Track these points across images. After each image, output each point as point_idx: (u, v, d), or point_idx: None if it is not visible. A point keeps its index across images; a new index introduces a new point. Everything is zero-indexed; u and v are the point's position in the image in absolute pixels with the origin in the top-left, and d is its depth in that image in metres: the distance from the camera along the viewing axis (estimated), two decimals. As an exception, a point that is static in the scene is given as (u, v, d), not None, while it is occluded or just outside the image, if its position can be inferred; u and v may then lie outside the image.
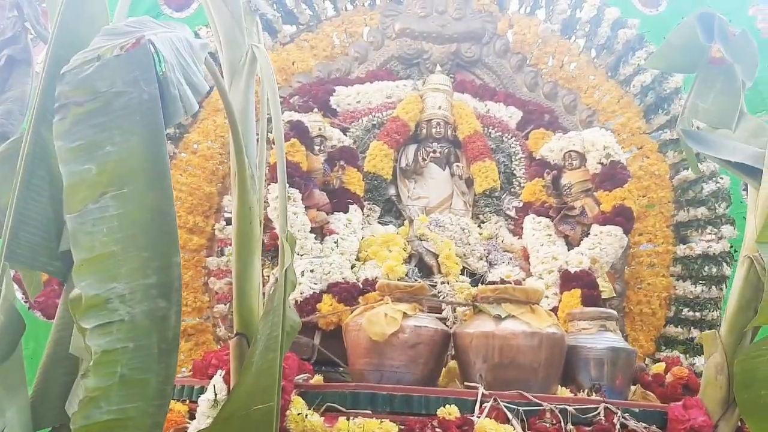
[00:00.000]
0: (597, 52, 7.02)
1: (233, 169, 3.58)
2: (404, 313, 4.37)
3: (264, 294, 3.79)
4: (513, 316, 4.33)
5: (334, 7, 7.24)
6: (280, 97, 6.54)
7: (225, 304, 6.09)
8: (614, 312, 4.85)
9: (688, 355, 6.22)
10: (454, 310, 5.32)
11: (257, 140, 3.71)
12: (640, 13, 7.12)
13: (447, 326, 4.83)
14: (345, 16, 7.17)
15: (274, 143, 5.10)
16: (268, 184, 5.40)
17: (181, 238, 6.02)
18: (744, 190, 6.43)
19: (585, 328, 4.74)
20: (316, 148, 6.01)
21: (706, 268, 6.34)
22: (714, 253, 6.32)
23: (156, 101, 2.68)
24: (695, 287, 6.34)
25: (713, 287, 6.32)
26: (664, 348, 6.40)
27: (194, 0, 6.78)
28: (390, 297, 4.50)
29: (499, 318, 4.33)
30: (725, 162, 4.56)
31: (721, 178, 6.37)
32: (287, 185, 5.36)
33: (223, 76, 3.62)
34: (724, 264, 6.27)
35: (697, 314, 6.30)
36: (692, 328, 6.31)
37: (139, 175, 2.59)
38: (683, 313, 6.35)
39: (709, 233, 6.44)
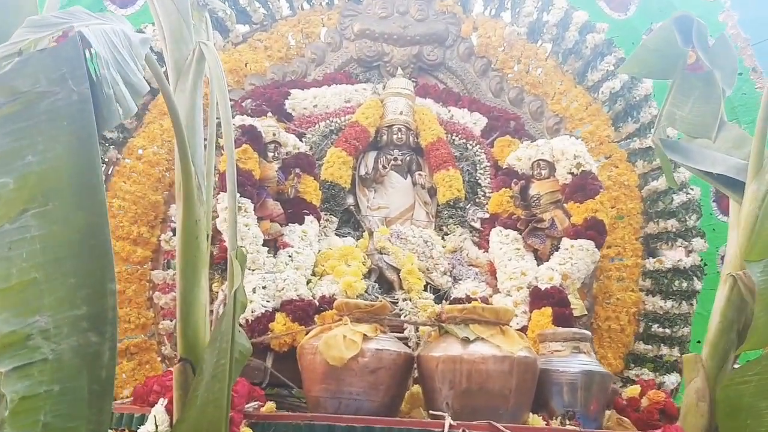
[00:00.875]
0: (564, 57, 6.93)
1: (178, 178, 3.33)
2: (364, 335, 4.13)
3: (212, 312, 3.66)
4: (482, 338, 4.09)
5: (290, 5, 7.04)
6: (232, 100, 6.39)
7: (171, 321, 5.81)
8: (588, 333, 4.64)
9: (657, 374, 6.13)
10: (416, 330, 5.06)
11: (205, 146, 3.46)
12: (609, 17, 6.96)
13: (410, 348, 4.58)
14: (301, 15, 7.03)
15: (223, 149, 4.91)
16: (217, 193, 5.22)
17: (125, 249, 5.88)
18: (714, 201, 6.45)
19: (557, 350, 4.54)
20: (270, 154, 5.76)
21: (677, 283, 6.22)
22: (684, 267, 6.21)
23: (87, 103, 2.35)
24: (665, 302, 6.21)
25: (683, 302, 6.19)
26: (632, 366, 6.27)
27: (138, -3, 6.47)
28: (349, 317, 4.24)
29: (467, 340, 4.08)
30: (705, 173, 4.41)
31: (692, 189, 6.30)
32: (238, 195, 5.20)
33: (167, 77, 3.37)
34: (695, 278, 6.17)
35: (667, 330, 6.17)
36: (662, 344, 6.19)
37: (67, 190, 2.27)
38: (652, 330, 6.21)
39: (680, 246, 6.32)
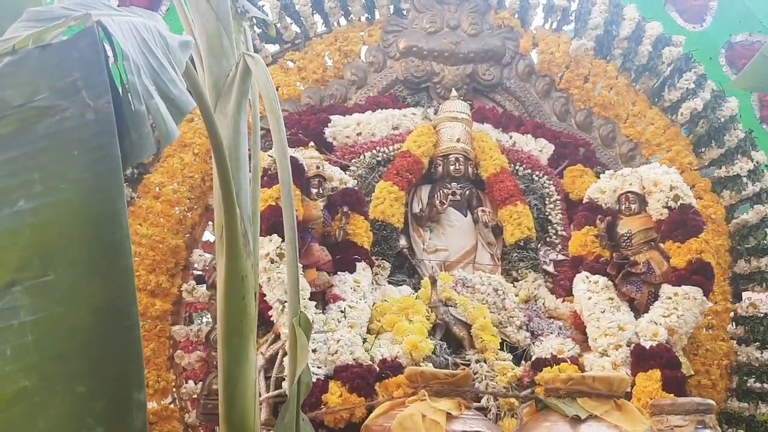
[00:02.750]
0: (637, 75, 6.54)
1: (218, 223, 2.77)
2: (448, 413, 3.47)
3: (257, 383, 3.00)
4: (595, 416, 3.39)
5: (325, 21, 6.56)
6: (263, 128, 5.77)
7: (196, 383, 5.48)
8: (712, 402, 3.91)
9: None
10: (495, 399, 4.40)
11: (250, 182, 2.93)
12: (682, 29, 6.60)
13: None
14: (338, 32, 6.54)
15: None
16: None
17: (141, 303, 5.39)
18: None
19: (678, 425, 3.79)
20: (314, 191, 5.24)
21: None
22: None
23: (109, 123, 1.64)
24: (761, 353, 5.74)
25: None
26: (725, 426, 5.73)
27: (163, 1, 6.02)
28: (426, 390, 3.57)
29: (577, 420, 3.36)
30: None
31: (790, 222, 5.91)
32: (279, 239, 4.55)
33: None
34: (795, 325, 5.77)
35: (765, 385, 5.72)
36: (759, 402, 5.71)
37: (77, 251, 1.58)
38: (748, 384, 5.75)
39: None
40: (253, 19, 5.73)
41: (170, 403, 5.49)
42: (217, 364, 3.01)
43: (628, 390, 4.44)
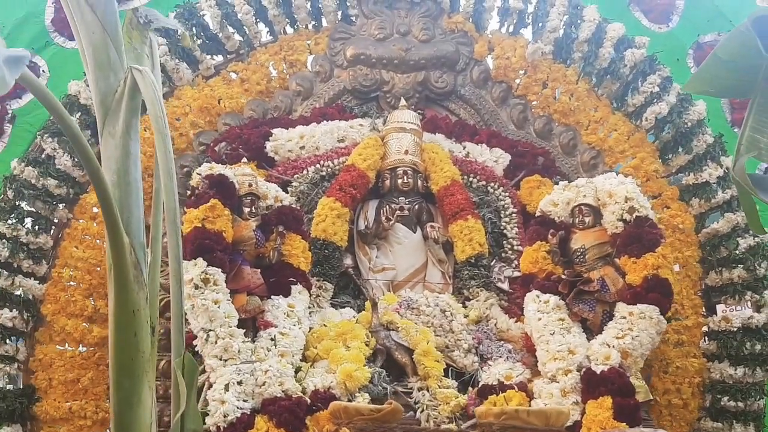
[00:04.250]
0: (599, 79, 6.36)
1: (108, 255, 2.62)
2: None
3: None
4: None
5: (270, 30, 6.40)
6: (203, 144, 5.87)
7: None
8: None
9: None
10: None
11: (152, 207, 2.90)
12: (647, 30, 6.42)
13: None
14: (284, 41, 6.38)
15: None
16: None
17: (78, 329, 5.42)
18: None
19: None
20: (246, 210, 5.08)
21: (748, 345, 5.67)
22: (756, 325, 5.68)
23: None
24: (735, 370, 5.65)
25: (758, 368, 5.66)
26: None
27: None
28: (348, 427, 3.62)
29: None
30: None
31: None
32: (205, 264, 4.37)
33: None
34: (772, 339, 5.70)
35: (740, 404, 5.61)
36: (734, 421, 5.63)
37: None
38: (722, 403, 5.66)
39: (748, 299, 5.78)
40: (171, 31, 5.61)
41: (110, 432, 5.37)
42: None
43: (578, 419, 4.29)
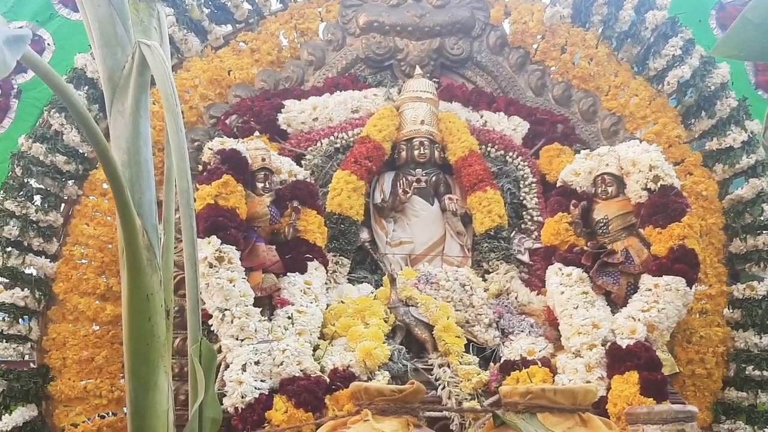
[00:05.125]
0: (619, 43, 6.23)
1: (120, 238, 2.52)
2: None
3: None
4: None
5: None
6: (213, 117, 5.75)
7: None
8: (695, 409, 3.65)
9: (755, 427, 5.48)
10: (461, 414, 4.16)
11: (164, 184, 2.77)
12: None
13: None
14: (294, 8, 6.27)
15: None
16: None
17: (91, 308, 5.32)
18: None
19: None
20: (260, 185, 4.99)
21: None
22: None
23: None
24: (760, 338, 5.56)
25: None
26: (723, 418, 5.61)
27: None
28: (370, 408, 3.28)
29: None
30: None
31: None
32: (219, 241, 4.32)
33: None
34: (796, 306, 5.60)
35: (765, 373, 5.51)
36: (759, 390, 5.54)
37: None
38: (746, 372, 5.57)
39: None
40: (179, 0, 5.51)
41: (126, 415, 5.30)
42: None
43: (603, 394, 4.21)
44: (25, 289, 5.06)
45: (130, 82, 2.60)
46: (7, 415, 4.86)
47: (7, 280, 5.07)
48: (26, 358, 5.28)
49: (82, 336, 5.19)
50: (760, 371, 5.48)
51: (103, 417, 5.28)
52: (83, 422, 5.08)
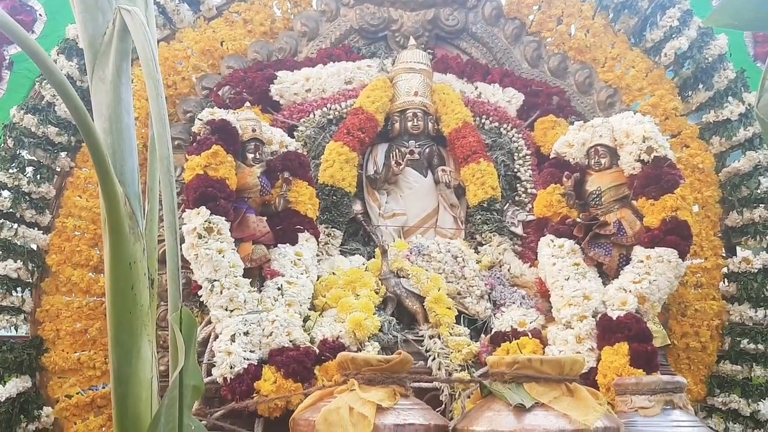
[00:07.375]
0: (616, 14, 6.14)
1: (102, 206, 2.52)
2: (378, 405, 3.16)
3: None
4: (542, 404, 3.08)
5: None
6: (206, 88, 5.83)
7: None
8: (683, 380, 3.67)
9: (749, 400, 5.45)
10: (450, 385, 4.16)
11: (149, 152, 2.72)
12: None
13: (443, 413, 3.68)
14: None
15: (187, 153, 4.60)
16: (183, 211, 4.53)
17: (84, 279, 5.31)
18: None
19: (643, 406, 3.56)
20: (250, 156, 4.95)
21: None
22: None
23: None
24: (755, 311, 5.52)
25: None
26: (718, 391, 5.59)
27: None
28: (357, 378, 3.29)
29: (521, 408, 3.05)
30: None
31: (785, 168, 5.65)
32: (208, 212, 4.30)
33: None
34: (792, 280, 5.51)
35: (760, 346, 5.46)
36: (753, 364, 5.50)
37: None
38: (741, 346, 5.54)
39: None
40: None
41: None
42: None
43: (594, 365, 4.21)
44: (18, 260, 5.04)
45: (111, 49, 2.58)
46: (1, 386, 4.87)
47: (0, 252, 5.07)
48: (20, 330, 5.29)
49: (75, 308, 5.16)
50: (754, 344, 5.44)
51: (96, 389, 5.26)
52: (77, 393, 5.07)
